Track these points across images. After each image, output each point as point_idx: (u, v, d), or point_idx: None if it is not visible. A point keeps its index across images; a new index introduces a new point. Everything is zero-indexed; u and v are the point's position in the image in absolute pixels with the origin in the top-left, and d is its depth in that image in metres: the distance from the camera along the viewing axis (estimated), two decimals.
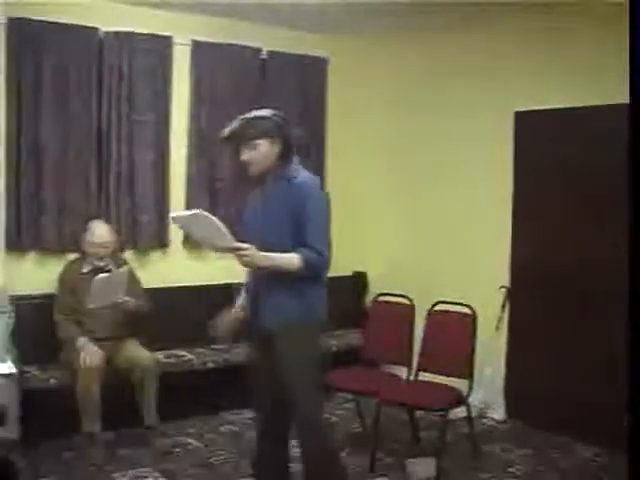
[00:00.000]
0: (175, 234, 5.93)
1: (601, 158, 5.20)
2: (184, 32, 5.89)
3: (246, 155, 3.56)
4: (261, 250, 3.36)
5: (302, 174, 3.57)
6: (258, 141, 3.51)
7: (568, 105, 5.30)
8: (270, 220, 3.52)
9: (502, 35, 5.78)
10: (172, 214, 4.13)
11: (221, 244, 3.34)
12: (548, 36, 5.46)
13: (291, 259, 3.40)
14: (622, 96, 4.02)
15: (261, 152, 3.52)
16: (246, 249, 3.31)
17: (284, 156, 3.56)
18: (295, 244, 3.42)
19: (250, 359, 4.03)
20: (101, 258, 5.18)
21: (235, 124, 3.55)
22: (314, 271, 3.45)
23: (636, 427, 1.94)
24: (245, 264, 3.41)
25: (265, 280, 3.56)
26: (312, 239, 3.42)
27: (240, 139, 3.56)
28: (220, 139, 3.65)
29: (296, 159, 3.62)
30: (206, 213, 3.29)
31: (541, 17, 5.37)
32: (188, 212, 3.59)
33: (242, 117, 3.56)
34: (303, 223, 3.44)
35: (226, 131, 3.57)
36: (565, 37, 5.35)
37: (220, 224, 3.28)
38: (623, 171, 3.97)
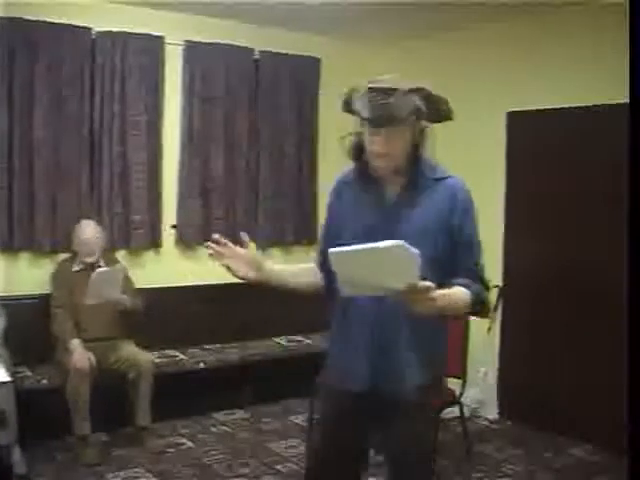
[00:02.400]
0: (167, 234, 5.94)
1: (594, 157, 5.22)
2: (177, 32, 5.87)
3: (383, 144, 2.48)
4: None
5: (446, 172, 2.62)
6: (405, 124, 2.47)
7: (563, 105, 5.31)
8: (409, 239, 2.21)
9: (494, 37, 5.80)
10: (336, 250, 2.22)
11: (395, 285, 2.19)
12: (542, 37, 5.47)
13: (464, 296, 2.43)
14: (618, 96, 4.05)
15: (405, 139, 2.50)
16: (432, 290, 2.22)
17: (418, 147, 2.56)
18: (444, 274, 2.44)
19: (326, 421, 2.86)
20: (91, 256, 5.18)
21: (383, 99, 2.42)
22: (483, 311, 2.56)
23: (636, 427, 1.92)
24: (427, 311, 2.26)
25: (391, 325, 2.53)
26: (477, 264, 2.56)
27: (388, 121, 2.45)
28: (362, 120, 2.53)
29: (427, 152, 2.60)
30: (406, 245, 2.13)
31: (534, 18, 5.39)
32: (381, 244, 2.13)
33: (380, 87, 2.45)
34: (461, 243, 2.52)
35: (370, 110, 2.46)
36: (559, 37, 5.37)
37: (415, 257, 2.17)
38: (617, 171, 3.99)
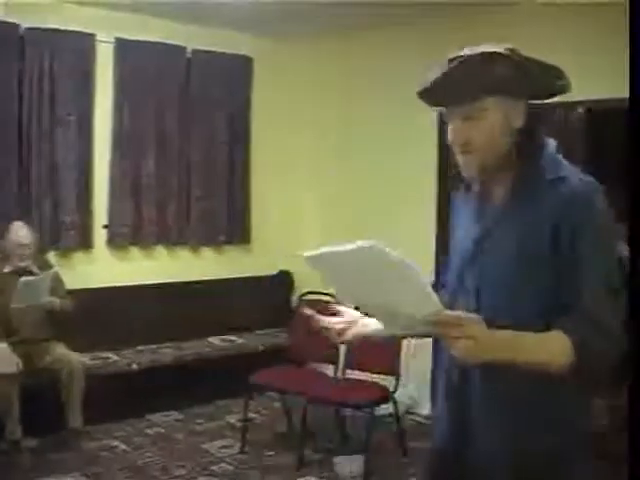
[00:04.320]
0: (99, 235, 5.87)
1: None
2: (108, 30, 5.79)
3: (459, 132, 1.91)
4: (489, 323, 1.68)
5: (570, 171, 1.88)
6: (483, 103, 1.86)
7: None
8: (504, 261, 1.86)
9: (424, 35, 5.90)
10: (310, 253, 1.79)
11: (418, 313, 1.67)
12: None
13: (556, 345, 1.72)
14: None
15: (490, 124, 1.87)
16: (468, 323, 1.64)
17: (531, 135, 1.92)
18: (553, 311, 1.78)
19: None
20: (22, 259, 5.09)
21: (441, 70, 1.87)
22: (595, 370, 1.76)
23: (636, 427, 1.91)
24: (465, 355, 1.64)
25: (490, 379, 1.88)
26: (592, 300, 1.74)
27: (450, 98, 1.91)
28: (418, 94, 1.93)
29: (552, 143, 1.96)
30: (379, 247, 1.64)
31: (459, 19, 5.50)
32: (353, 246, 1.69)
33: (450, 57, 1.88)
34: (574, 268, 1.78)
35: (426, 82, 1.89)
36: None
37: (423, 279, 1.66)
38: None
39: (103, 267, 5.92)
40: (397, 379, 4.91)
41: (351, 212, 6.55)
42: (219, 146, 6.46)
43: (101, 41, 5.76)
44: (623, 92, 4.63)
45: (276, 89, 6.79)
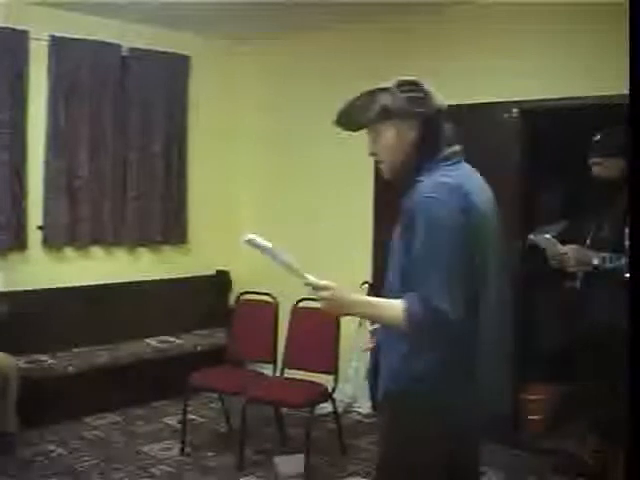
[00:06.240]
0: (33, 235, 5.76)
1: None
2: (42, 27, 5.68)
3: (370, 148, 2.57)
4: (389, 295, 2.45)
5: (435, 174, 2.41)
6: (378, 126, 2.50)
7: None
8: (392, 251, 2.51)
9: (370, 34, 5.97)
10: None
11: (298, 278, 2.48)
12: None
13: (394, 309, 2.35)
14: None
15: (386, 140, 2.50)
16: (325, 288, 2.42)
17: (426, 145, 2.47)
18: (405, 287, 2.39)
19: None
20: None
21: (347, 101, 2.56)
22: (421, 331, 2.33)
23: (636, 427, 1.97)
24: (326, 309, 2.45)
25: (383, 334, 2.60)
26: (418, 280, 2.32)
27: (354, 123, 2.59)
28: (334, 123, 2.64)
29: (454, 149, 2.49)
30: (254, 237, 2.46)
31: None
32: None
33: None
34: (411, 254, 2.36)
35: (336, 114, 2.59)
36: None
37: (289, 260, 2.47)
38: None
39: (38, 268, 5.81)
40: (335, 378, 4.95)
41: (289, 211, 6.57)
42: (155, 145, 6.41)
43: (35, 38, 5.65)
44: (557, 92, 4.75)
45: (214, 88, 6.78)
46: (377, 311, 2.44)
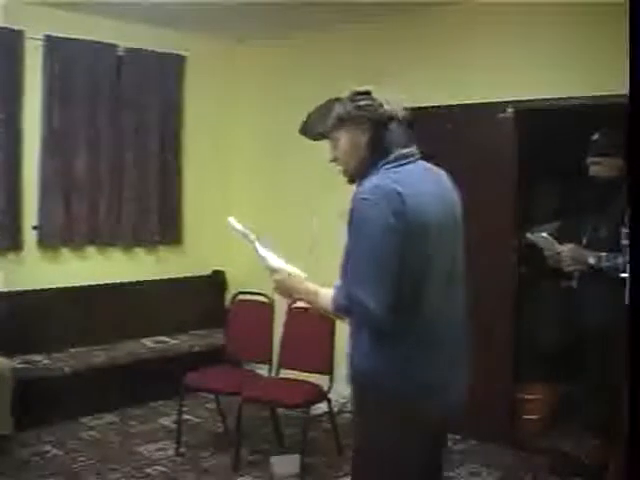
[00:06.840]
0: (29, 236, 5.75)
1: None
2: (37, 27, 5.67)
3: (330, 153, 2.74)
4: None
5: (377, 177, 2.54)
6: (335, 133, 2.68)
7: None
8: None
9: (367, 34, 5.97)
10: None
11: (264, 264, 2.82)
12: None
13: (327, 298, 2.59)
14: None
15: (342, 145, 2.67)
16: (277, 272, 2.76)
17: (374, 149, 2.60)
18: (342, 279, 2.56)
19: None
20: None
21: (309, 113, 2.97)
22: (348, 318, 2.57)
23: (636, 427, 1.97)
24: (276, 292, 2.80)
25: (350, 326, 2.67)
26: (348, 274, 2.49)
27: (316, 132, 2.92)
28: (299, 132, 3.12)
29: (403, 152, 2.59)
30: (233, 222, 2.99)
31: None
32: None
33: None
34: (347, 254, 2.53)
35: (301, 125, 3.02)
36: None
37: (248, 233, 2.94)
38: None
39: (33, 268, 5.80)
40: (331, 378, 4.95)
41: (284, 212, 6.56)
42: (151, 145, 6.40)
43: (30, 38, 5.64)
44: (552, 92, 4.76)
45: (212, 88, 6.77)
46: (316, 299, 2.65)
